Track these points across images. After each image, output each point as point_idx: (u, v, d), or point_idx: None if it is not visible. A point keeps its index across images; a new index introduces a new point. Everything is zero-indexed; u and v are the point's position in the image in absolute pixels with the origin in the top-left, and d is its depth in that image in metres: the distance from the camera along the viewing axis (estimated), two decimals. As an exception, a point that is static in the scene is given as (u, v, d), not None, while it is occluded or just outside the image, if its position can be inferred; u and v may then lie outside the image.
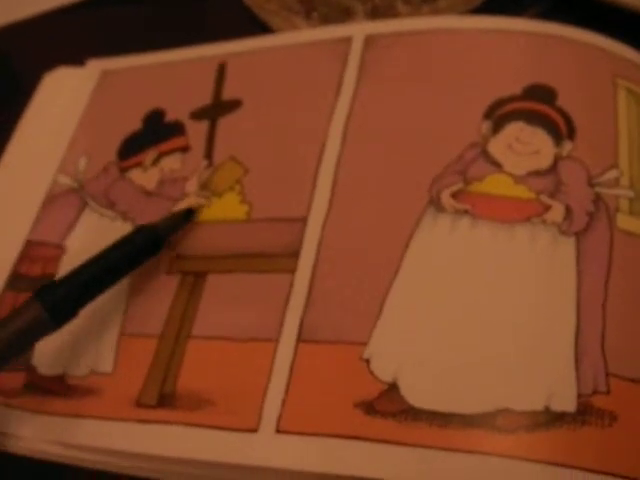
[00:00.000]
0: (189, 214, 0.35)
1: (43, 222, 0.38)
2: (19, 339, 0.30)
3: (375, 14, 0.41)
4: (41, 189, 0.39)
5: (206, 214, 0.35)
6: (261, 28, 0.43)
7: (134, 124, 0.40)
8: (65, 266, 0.36)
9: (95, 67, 0.43)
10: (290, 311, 0.31)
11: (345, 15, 0.41)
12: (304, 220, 0.33)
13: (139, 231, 0.34)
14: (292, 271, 0.32)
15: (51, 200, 0.38)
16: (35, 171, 0.40)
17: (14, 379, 0.33)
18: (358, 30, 0.38)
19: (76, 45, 0.47)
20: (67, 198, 0.38)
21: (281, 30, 0.42)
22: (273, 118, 0.37)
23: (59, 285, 0.31)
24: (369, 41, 0.37)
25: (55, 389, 0.33)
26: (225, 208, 0.35)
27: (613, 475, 0.26)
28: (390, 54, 0.37)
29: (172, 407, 0.30)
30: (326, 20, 0.42)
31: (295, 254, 0.32)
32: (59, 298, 0.30)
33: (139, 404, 0.31)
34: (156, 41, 0.43)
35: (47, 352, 0.33)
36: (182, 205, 0.36)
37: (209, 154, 0.37)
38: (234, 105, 0.38)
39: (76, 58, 0.43)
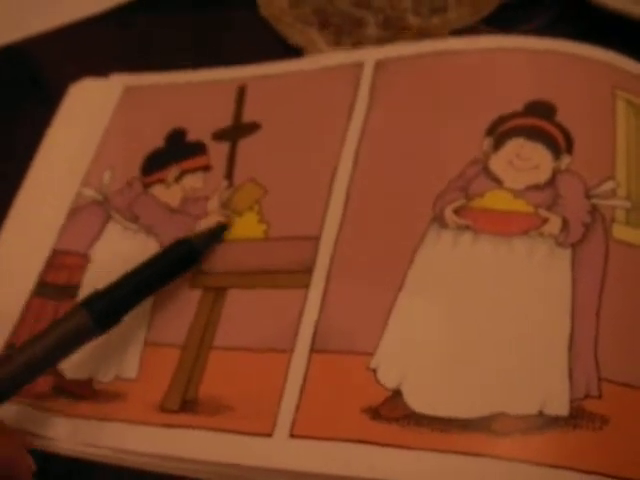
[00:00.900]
0: (223, 228, 0.37)
1: (69, 232, 0.40)
2: (66, 343, 0.32)
3: (386, 25, 0.43)
4: (66, 200, 0.41)
5: (227, 233, 0.37)
6: (277, 39, 0.45)
7: (156, 141, 0.41)
8: (90, 275, 0.38)
9: (118, 82, 0.45)
10: (304, 323, 0.33)
11: (357, 26, 0.43)
12: (317, 238, 0.35)
13: (178, 245, 0.36)
14: (306, 286, 0.34)
15: (76, 211, 0.40)
16: (61, 183, 0.42)
17: (43, 382, 0.35)
18: (369, 55, 0.40)
19: (101, 56, 0.49)
20: (92, 210, 0.40)
21: (298, 42, 0.44)
22: (290, 140, 0.39)
23: (104, 293, 0.33)
24: (379, 66, 0.39)
25: (82, 393, 0.35)
26: (245, 227, 0.37)
27: (605, 475, 0.27)
28: (398, 77, 0.38)
29: (194, 412, 0.33)
30: (339, 32, 0.44)
31: (309, 270, 0.34)
32: (105, 306, 0.33)
33: (163, 409, 0.33)
34: (179, 50, 0.45)
35: (74, 357, 0.34)
36: (205, 223, 0.38)
37: (229, 174, 0.39)
38: (253, 127, 0.40)
39: (101, 69, 0.45)
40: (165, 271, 0.35)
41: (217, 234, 0.37)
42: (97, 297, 0.33)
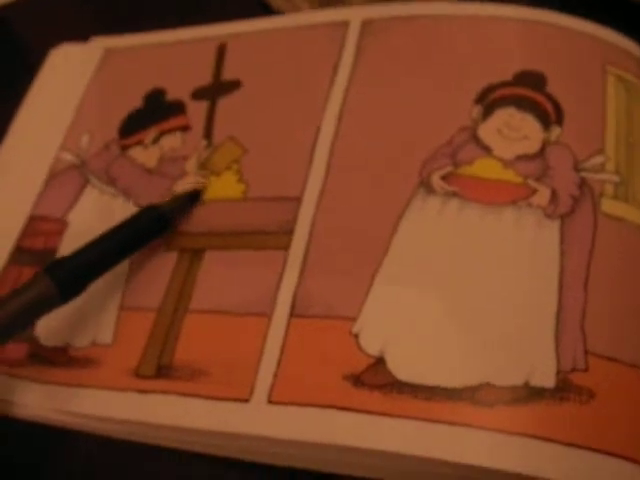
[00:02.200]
0: (194, 196, 0.36)
1: (46, 197, 0.39)
2: (28, 312, 0.31)
3: (374, -8, 0.42)
4: (44, 165, 0.40)
5: (204, 192, 0.36)
6: (262, 6, 0.44)
7: (135, 102, 0.40)
8: (67, 240, 0.37)
9: (98, 45, 0.44)
10: (283, 287, 0.32)
11: None
12: (299, 199, 0.34)
13: (146, 211, 0.35)
14: (286, 248, 0.33)
15: (54, 176, 0.39)
16: (38, 147, 0.41)
17: (18, 350, 0.34)
18: (355, 14, 0.39)
19: (82, 21, 0.48)
20: (69, 174, 0.39)
21: (281, 9, 0.43)
22: (271, 99, 0.38)
23: (68, 261, 0.32)
24: (365, 25, 0.38)
25: (57, 359, 0.34)
26: (223, 187, 0.36)
27: (589, 449, 0.27)
28: (385, 39, 0.37)
29: (169, 378, 0.32)
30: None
31: (289, 232, 0.33)
32: (68, 274, 0.32)
33: (138, 375, 0.32)
34: (159, 17, 0.44)
35: (49, 324, 0.34)
36: (181, 184, 0.37)
37: (208, 134, 0.38)
38: (233, 86, 0.39)
39: (82, 34, 0.44)
40: (132, 238, 0.34)
41: (189, 201, 0.36)
42: (61, 264, 0.32)
